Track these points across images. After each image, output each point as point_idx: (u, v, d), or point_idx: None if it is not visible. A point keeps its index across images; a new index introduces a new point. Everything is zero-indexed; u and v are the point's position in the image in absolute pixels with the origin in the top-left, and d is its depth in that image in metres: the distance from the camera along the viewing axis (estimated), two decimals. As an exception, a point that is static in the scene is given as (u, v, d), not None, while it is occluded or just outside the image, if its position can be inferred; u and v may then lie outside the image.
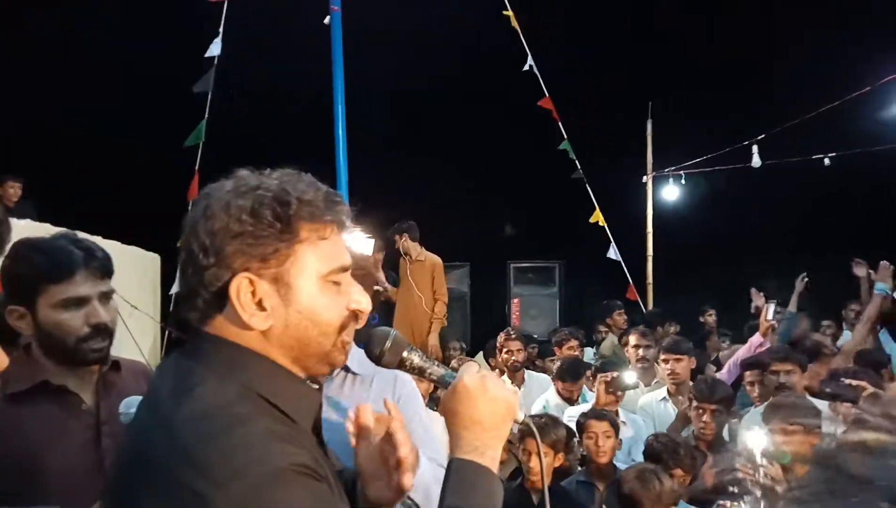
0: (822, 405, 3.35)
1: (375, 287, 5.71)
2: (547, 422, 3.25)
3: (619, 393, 3.93)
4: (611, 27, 9.89)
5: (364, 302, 1.15)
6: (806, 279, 5.90)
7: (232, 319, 1.06)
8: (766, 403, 3.60)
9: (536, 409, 4.31)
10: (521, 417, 1.25)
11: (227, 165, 1.13)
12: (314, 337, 1.09)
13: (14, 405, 1.68)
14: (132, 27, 8.38)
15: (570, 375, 4.45)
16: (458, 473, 1.16)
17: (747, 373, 4.19)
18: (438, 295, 6.50)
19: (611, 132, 9.32)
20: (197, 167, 6.88)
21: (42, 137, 8.38)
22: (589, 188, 8.00)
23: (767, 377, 3.99)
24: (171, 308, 5.79)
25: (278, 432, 1.00)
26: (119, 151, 8.52)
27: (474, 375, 1.22)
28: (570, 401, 4.38)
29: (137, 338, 2.39)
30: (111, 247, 1.93)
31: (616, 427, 3.45)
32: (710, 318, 7.84)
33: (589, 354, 6.21)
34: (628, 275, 8.22)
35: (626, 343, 4.95)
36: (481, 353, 6.48)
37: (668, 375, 4.28)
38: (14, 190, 7.32)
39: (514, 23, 7.51)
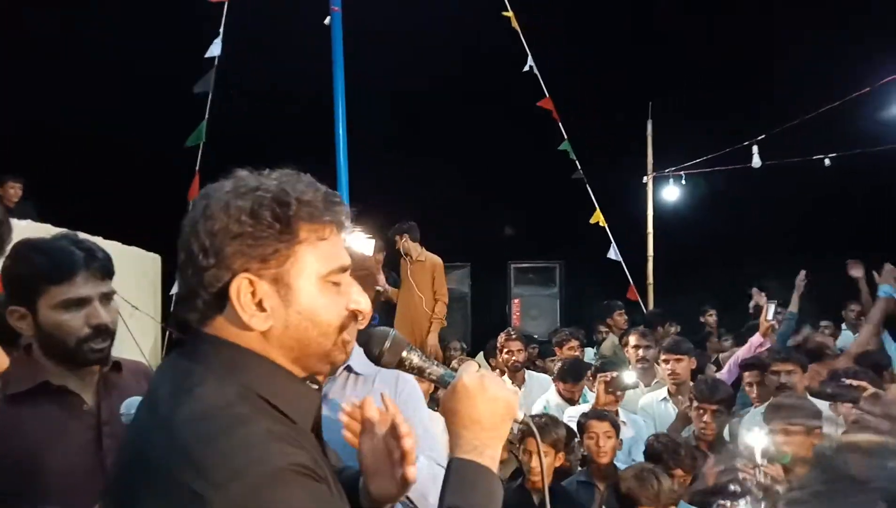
0: (822, 405, 3.35)
1: (377, 288, 5.70)
2: (547, 422, 3.26)
3: (619, 393, 3.93)
4: (611, 27, 9.89)
5: (363, 302, 1.15)
6: (806, 278, 5.88)
7: (232, 319, 1.06)
8: (766, 403, 3.60)
9: (537, 409, 4.31)
10: (520, 416, 1.26)
11: (227, 166, 1.13)
12: (314, 338, 1.09)
13: (15, 406, 1.68)
14: (132, 27, 8.38)
15: (572, 376, 4.45)
16: (458, 472, 1.16)
17: (746, 374, 4.19)
18: (439, 296, 6.50)
19: (611, 133, 9.32)
20: (197, 168, 6.88)
21: (42, 138, 8.38)
22: (589, 189, 8.01)
23: (768, 377, 3.99)
24: (171, 309, 5.79)
25: (278, 432, 1.00)
26: (119, 151, 8.52)
27: (473, 374, 1.22)
28: (572, 402, 4.38)
29: (138, 339, 2.40)
30: (112, 247, 1.93)
31: (617, 428, 3.45)
32: (711, 318, 7.85)
33: (589, 354, 6.21)
34: (629, 275, 8.23)
35: (627, 344, 4.95)
36: (482, 353, 6.48)
37: (669, 375, 4.28)
38: (14, 190, 7.32)
39: (515, 23, 7.51)
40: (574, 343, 5.52)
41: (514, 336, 5.08)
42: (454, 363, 5.00)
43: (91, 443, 1.73)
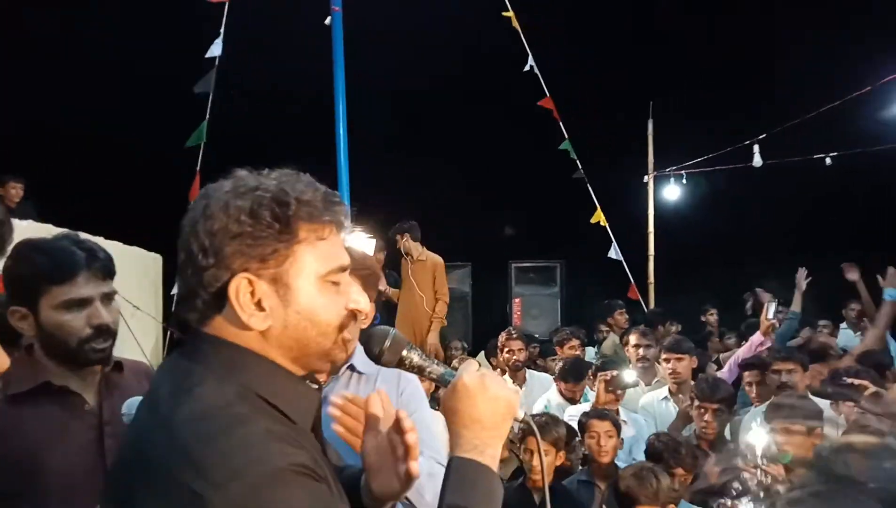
0: (823, 404, 3.34)
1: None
2: (547, 421, 3.26)
3: (619, 392, 3.93)
4: (611, 27, 9.88)
5: (363, 302, 1.15)
6: (807, 276, 5.87)
7: (231, 319, 1.07)
8: (766, 402, 3.60)
9: (538, 409, 4.31)
10: (521, 415, 1.25)
11: (227, 166, 1.13)
12: (313, 337, 1.09)
13: (16, 406, 1.68)
14: (132, 27, 8.38)
15: (573, 375, 4.45)
16: (458, 471, 1.16)
17: (746, 373, 4.18)
18: (440, 295, 6.50)
19: (612, 132, 9.31)
20: (198, 168, 6.88)
21: (43, 138, 8.38)
22: (590, 188, 8.01)
23: (769, 376, 3.98)
24: (172, 309, 5.79)
25: (277, 432, 1.00)
26: (120, 151, 8.53)
27: (474, 373, 1.22)
28: (573, 401, 4.38)
29: (139, 338, 2.40)
30: (113, 247, 1.93)
31: (618, 427, 3.45)
32: (712, 317, 7.84)
33: (590, 353, 6.21)
34: (629, 275, 8.22)
35: (627, 343, 4.95)
36: (483, 353, 6.49)
37: (670, 374, 4.28)
38: (15, 191, 7.33)
39: (515, 23, 7.51)
40: (575, 343, 5.53)
41: (514, 336, 5.09)
42: (455, 363, 5.00)
43: (92, 443, 1.73)
